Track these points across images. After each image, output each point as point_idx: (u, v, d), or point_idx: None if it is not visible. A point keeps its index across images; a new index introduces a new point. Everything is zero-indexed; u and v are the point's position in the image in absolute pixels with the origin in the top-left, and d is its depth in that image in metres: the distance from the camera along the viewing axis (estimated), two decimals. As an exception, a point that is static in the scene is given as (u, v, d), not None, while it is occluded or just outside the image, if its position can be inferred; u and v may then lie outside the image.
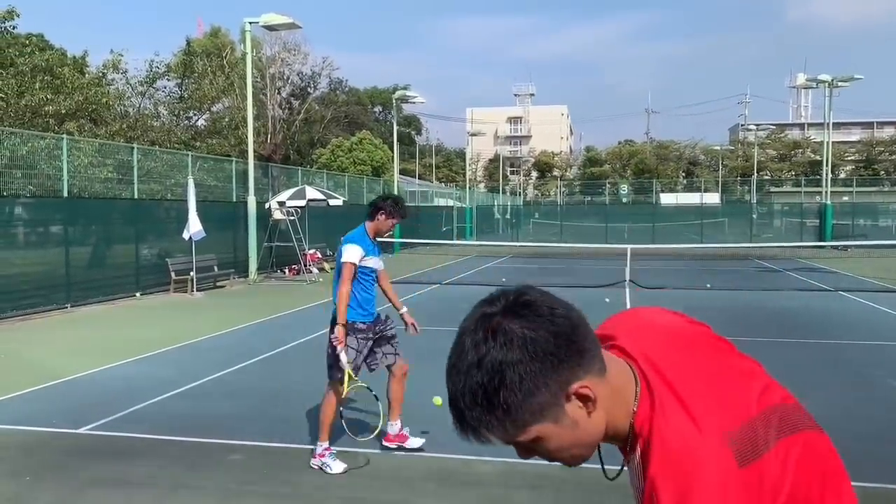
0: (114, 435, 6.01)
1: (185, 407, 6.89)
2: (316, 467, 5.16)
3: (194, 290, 16.07)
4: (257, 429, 6.09)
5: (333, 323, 5.14)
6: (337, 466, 5.10)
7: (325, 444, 5.15)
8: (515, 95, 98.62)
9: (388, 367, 5.38)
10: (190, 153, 19.60)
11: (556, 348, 1.06)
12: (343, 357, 4.99)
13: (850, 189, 53.90)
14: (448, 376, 1.11)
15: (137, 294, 15.58)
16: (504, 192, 66.88)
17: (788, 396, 1.21)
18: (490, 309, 1.10)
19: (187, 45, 28.98)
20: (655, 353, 1.19)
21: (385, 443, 5.39)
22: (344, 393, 5.07)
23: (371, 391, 5.20)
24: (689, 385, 1.13)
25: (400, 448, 5.41)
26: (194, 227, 15.75)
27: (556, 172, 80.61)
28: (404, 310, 5.59)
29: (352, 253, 5.16)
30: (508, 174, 79.91)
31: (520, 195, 72.46)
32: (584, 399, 1.09)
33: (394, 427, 5.41)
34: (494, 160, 74.87)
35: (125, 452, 5.57)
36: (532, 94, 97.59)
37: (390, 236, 27.49)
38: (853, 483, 1.20)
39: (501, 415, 1.06)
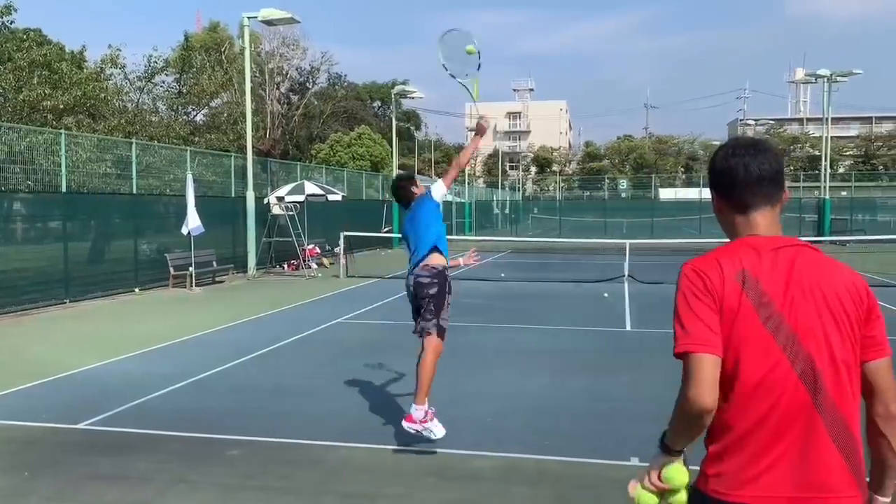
0: (112, 430, 6.02)
1: (184, 402, 6.89)
2: (414, 432, 5.04)
3: (193, 285, 16.07)
4: (256, 424, 6.09)
5: (417, 265, 5.15)
6: (439, 431, 4.95)
7: (426, 408, 4.95)
8: (514, 90, 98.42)
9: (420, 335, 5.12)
10: (188, 148, 19.56)
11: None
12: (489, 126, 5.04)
13: (848, 184, 53.94)
14: (756, 153, 1.99)
15: (136, 289, 15.58)
16: (503, 188, 66.85)
17: None
18: (751, 139, 2.06)
19: (186, 39, 28.95)
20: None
21: (406, 423, 5.11)
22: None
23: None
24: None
25: (418, 433, 5.11)
26: (193, 222, 15.74)
27: (555, 167, 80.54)
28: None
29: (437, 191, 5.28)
30: (507, 169, 79.82)
31: (519, 190, 72.45)
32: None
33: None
34: (493, 155, 74.79)
35: (124, 447, 5.58)
36: (531, 89, 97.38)
37: (389, 231, 27.56)
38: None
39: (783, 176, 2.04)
